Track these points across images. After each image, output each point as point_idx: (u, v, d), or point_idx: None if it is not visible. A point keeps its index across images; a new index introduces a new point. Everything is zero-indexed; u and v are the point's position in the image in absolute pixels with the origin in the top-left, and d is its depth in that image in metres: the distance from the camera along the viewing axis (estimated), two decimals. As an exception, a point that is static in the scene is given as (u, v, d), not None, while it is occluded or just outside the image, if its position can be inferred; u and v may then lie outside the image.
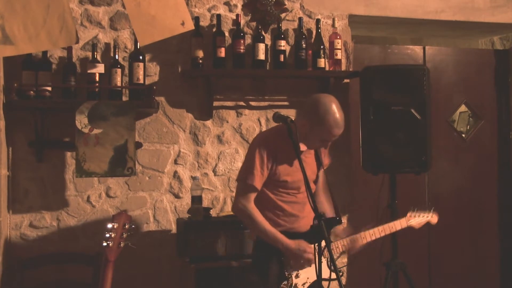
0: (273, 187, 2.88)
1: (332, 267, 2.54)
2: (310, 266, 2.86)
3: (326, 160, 3.09)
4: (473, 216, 4.64)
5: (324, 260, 2.89)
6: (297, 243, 2.83)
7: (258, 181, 2.82)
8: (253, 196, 2.85)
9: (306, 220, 2.96)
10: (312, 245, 2.88)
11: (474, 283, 4.55)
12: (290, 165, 2.87)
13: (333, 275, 2.72)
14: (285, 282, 2.83)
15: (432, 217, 3.37)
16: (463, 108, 4.72)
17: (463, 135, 4.68)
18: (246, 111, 4.08)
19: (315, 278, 2.88)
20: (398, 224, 3.23)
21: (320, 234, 2.49)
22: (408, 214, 3.29)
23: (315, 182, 3.01)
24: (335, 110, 2.79)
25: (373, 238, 3.09)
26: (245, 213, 2.85)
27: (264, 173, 2.82)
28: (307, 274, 2.88)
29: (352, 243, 3.03)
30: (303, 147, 2.85)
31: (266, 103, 4.11)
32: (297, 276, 2.86)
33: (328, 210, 3.02)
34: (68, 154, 3.77)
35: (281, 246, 2.82)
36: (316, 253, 2.89)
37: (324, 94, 2.94)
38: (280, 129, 2.95)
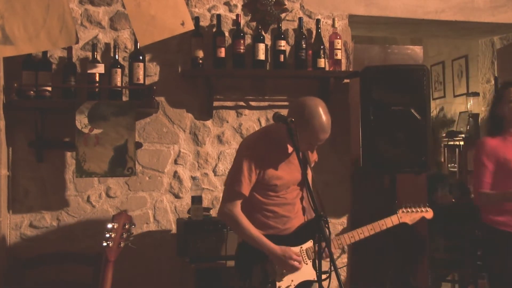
0: (263, 191, 2.86)
1: (330, 267, 2.53)
2: (295, 271, 2.84)
3: (314, 157, 3.06)
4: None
5: (309, 262, 2.88)
6: (282, 249, 2.80)
7: (246, 188, 2.80)
8: (239, 202, 2.84)
9: (297, 220, 2.95)
10: (298, 251, 2.87)
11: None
12: (278, 169, 2.85)
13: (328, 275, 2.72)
14: (269, 286, 2.81)
15: (426, 212, 3.31)
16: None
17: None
18: (246, 111, 4.08)
19: (299, 281, 2.86)
20: (389, 221, 3.15)
21: (322, 234, 2.49)
22: (400, 211, 3.22)
23: (300, 184, 2.95)
24: (321, 114, 2.71)
25: (362, 236, 3.04)
26: (231, 218, 2.84)
27: (251, 179, 2.80)
28: (291, 277, 2.85)
29: (341, 241, 3.00)
30: (290, 148, 2.83)
31: (266, 103, 4.11)
32: (280, 280, 2.83)
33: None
34: (68, 154, 3.77)
35: (267, 251, 2.80)
36: (311, 253, 2.90)
37: (310, 97, 2.84)
38: (267, 132, 2.94)
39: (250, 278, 2.84)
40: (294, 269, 2.82)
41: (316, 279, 2.83)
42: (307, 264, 2.87)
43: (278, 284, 2.82)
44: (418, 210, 3.28)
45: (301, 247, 2.89)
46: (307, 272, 2.86)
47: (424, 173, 4.34)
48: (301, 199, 2.99)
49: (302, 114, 2.71)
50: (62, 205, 3.79)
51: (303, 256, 2.88)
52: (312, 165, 3.05)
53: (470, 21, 4.51)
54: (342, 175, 4.19)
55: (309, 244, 2.89)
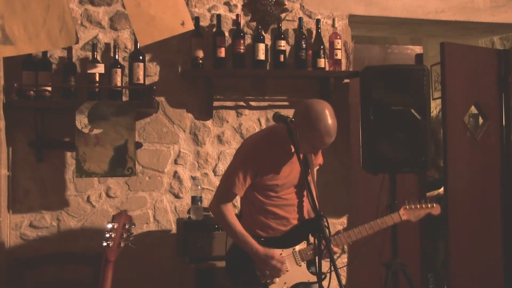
0: (264, 191, 2.86)
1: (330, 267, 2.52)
2: (279, 275, 2.79)
3: (319, 160, 3.04)
4: (479, 213, 4.64)
5: (303, 264, 2.85)
6: (265, 250, 2.78)
7: (239, 189, 2.80)
8: (230, 201, 2.86)
9: (297, 221, 2.94)
10: (283, 253, 2.83)
11: (478, 275, 4.54)
12: (279, 170, 2.83)
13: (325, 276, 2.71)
14: None
15: (433, 208, 3.18)
16: (472, 108, 4.72)
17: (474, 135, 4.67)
18: (246, 111, 4.08)
19: (292, 283, 2.84)
20: (389, 220, 3.06)
21: (322, 233, 2.48)
22: (402, 208, 3.13)
23: (301, 185, 2.93)
24: (327, 118, 2.68)
25: (359, 236, 2.95)
26: (219, 215, 2.85)
27: (246, 180, 2.79)
28: (284, 279, 2.82)
29: (336, 242, 2.92)
30: (292, 149, 2.80)
31: (266, 103, 4.11)
32: (272, 282, 2.81)
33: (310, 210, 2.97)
34: (68, 154, 3.77)
35: (250, 251, 2.78)
36: (304, 255, 2.88)
37: (317, 100, 2.82)
38: (270, 132, 2.93)
39: (238, 279, 2.84)
40: (276, 270, 2.78)
41: (310, 281, 2.83)
42: (300, 266, 2.85)
43: (270, 287, 2.80)
44: (424, 206, 3.15)
45: (294, 249, 2.86)
46: (300, 274, 2.84)
47: (424, 173, 4.34)
48: (302, 200, 2.99)
49: (308, 116, 2.70)
50: (62, 205, 3.79)
51: (297, 258, 2.85)
52: (317, 168, 3.04)
53: (470, 21, 4.51)
54: (342, 175, 4.19)
55: (303, 245, 2.87)
